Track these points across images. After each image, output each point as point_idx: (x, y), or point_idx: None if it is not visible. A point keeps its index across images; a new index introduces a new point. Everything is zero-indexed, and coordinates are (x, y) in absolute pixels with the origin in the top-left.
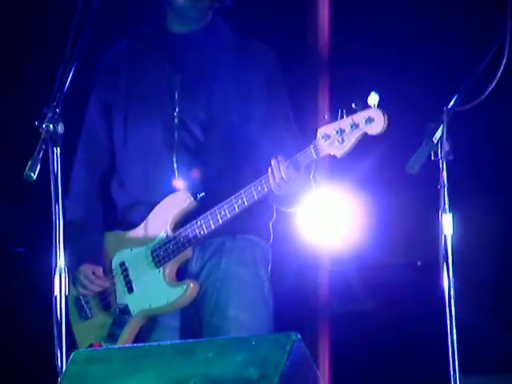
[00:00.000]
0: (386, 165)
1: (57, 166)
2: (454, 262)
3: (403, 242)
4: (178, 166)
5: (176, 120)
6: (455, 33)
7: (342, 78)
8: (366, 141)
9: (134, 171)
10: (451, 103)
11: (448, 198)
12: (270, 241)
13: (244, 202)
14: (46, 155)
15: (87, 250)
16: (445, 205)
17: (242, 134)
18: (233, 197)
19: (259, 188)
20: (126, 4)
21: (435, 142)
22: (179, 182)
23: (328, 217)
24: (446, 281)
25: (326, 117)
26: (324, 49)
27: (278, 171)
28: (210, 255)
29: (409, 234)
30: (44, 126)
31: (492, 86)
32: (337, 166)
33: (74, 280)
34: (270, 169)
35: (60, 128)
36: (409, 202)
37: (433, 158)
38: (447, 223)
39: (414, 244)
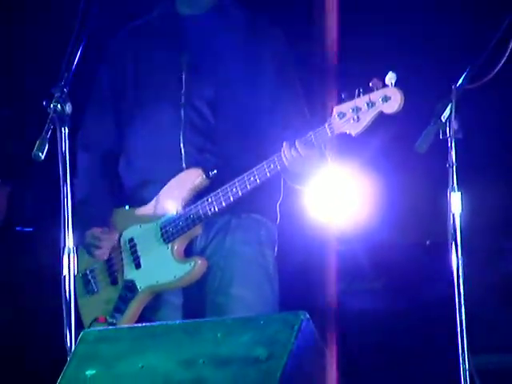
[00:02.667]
0: (394, 143)
1: (65, 145)
2: (463, 241)
3: (412, 220)
4: (184, 145)
5: (183, 99)
6: (464, 10)
7: (350, 54)
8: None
9: (140, 149)
10: (460, 81)
11: (456, 176)
12: (277, 221)
13: (256, 180)
14: (54, 135)
15: (93, 218)
16: (453, 183)
17: (250, 112)
18: (244, 174)
19: (272, 166)
20: None
21: (444, 120)
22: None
23: (336, 196)
24: (455, 259)
25: (342, 95)
26: (331, 29)
27: (289, 151)
28: (215, 234)
29: (417, 213)
30: (52, 105)
31: (501, 64)
32: (345, 145)
33: (85, 247)
34: (282, 149)
35: (68, 108)
36: (417, 180)
37: (441, 136)
38: (456, 202)
39: (423, 223)
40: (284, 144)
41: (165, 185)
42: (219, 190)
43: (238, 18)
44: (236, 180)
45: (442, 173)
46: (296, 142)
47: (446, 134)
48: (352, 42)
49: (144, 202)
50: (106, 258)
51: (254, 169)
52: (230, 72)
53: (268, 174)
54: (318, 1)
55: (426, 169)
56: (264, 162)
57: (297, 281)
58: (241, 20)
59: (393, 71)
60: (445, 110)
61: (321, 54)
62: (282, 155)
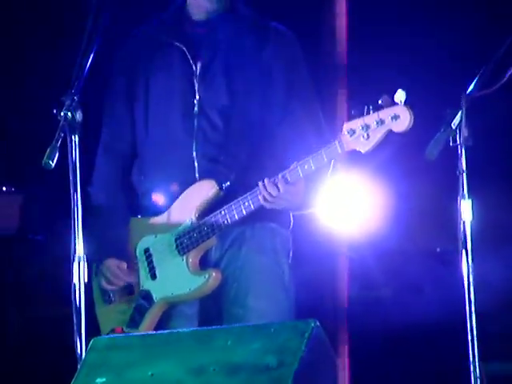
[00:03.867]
0: (404, 151)
1: (75, 153)
2: (473, 248)
3: (422, 228)
4: (196, 154)
5: (196, 108)
6: (474, 18)
7: (359, 65)
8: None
9: (153, 158)
10: (470, 89)
11: (467, 183)
12: (291, 227)
13: None
14: (64, 143)
15: (113, 243)
16: (464, 191)
17: (263, 122)
18: (256, 188)
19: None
20: None
21: (454, 127)
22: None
23: (346, 203)
24: (465, 267)
25: (352, 112)
26: (341, 39)
27: (266, 192)
28: (230, 244)
29: (428, 221)
30: (62, 113)
31: (510, 72)
32: (355, 153)
33: (97, 272)
34: (257, 190)
35: (78, 116)
36: (427, 188)
37: (451, 143)
38: (466, 209)
39: (433, 230)
40: (259, 183)
41: (178, 195)
42: (232, 203)
43: (249, 23)
44: (248, 194)
45: (452, 180)
46: (268, 184)
47: (456, 141)
48: (362, 53)
49: (157, 211)
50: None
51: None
52: (243, 80)
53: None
54: (328, 15)
55: (436, 176)
56: (276, 176)
57: (307, 288)
58: (252, 25)
59: (397, 87)
60: (455, 117)
61: (331, 67)
62: (260, 198)
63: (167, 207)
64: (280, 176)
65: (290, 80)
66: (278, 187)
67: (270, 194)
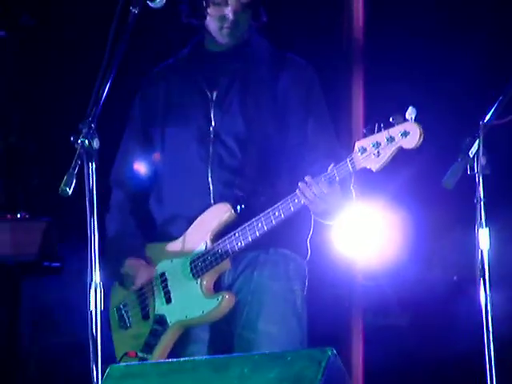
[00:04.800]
0: (421, 179)
1: (92, 181)
2: (491, 277)
3: (439, 256)
4: (212, 180)
5: (212, 135)
6: (492, 45)
7: (376, 93)
8: (401, 154)
9: (170, 186)
10: (487, 117)
11: (484, 212)
12: (307, 257)
13: (281, 215)
14: (81, 170)
15: (128, 252)
16: (481, 219)
17: (279, 149)
18: (270, 209)
19: (296, 200)
20: (167, 25)
21: (471, 156)
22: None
23: (363, 231)
24: (483, 296)
25: (364, 130)
26: (358, 62)
27: (309, 190)
28: (243, 268)
29: (445, 249)
30: (79, 141)
31: None
32: (372, 180)
33: (120, 280)
34: (297, 190)
35: (95, 143)
36: (445, 216)
37: (469, 172)
38: (484, 238)
39: (450, 259)
40: (300, 185)
41: (193, 220)
42: (246, 225)
43: (266, 53)
44: (262, 215)
45: (470, 209)
46: (312, 183)
47: (474, 170)
48: (377, 78)
49: (173, 236)
50: (139, 286)
51: (278, 204)
52: (259, 108)
53: (292, 209)
54: (345, 34)
55: (454, 205)
56: (288, 197)
57: (323, 315)
58: (269, 55)
59: (413, 106)
60: (472, 145)
61: (344, 92)
62: (301, 194)
63: (183, 232)
64: (319, 178)
65: (307, 107)
66: (319, 186)
67: (313, 192)
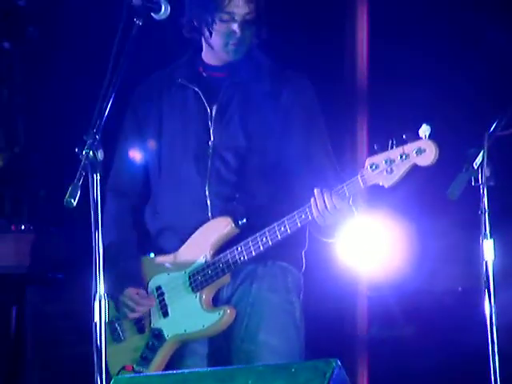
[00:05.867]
0: (426, 190)
1: (96, 192)
2: (495, 288)
3: (443, 267)
4: (210, 195)
5: (210, 149)
6: (498, 56)
7: (380, 105)
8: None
9: (167, 199)
10: (492, 128)
11: (489, 223)
12: (303, 270)
13: (287, 230)
14: (85, 182)
15: (126, 275)
16: (486, 230)
17: (279, 163)
18: (275, 224)
19: (303, 216)
20: (163, 34)
21: (476, 167)
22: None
23: (367, 242)
24: (488, 307)
25: (375, 147)
26: (362, 78)
27: (322, 201)
28: (241, 281)
29: (449, 260)
30: (84, 152)
31: None
32: (376, 192)
33: (117, 305)
34: (312, 199)
35: (100, 155)
36: (449, 227)
37: (473, 183)
38: (488, 249)
39: (455, 270)
40: (314, 195)
41: (189, 233)
42: (249, 239)
43: (266, 69)
44: (266, 229)
45: (474, 219)
46: (326, 194)
47: (478, 181)
48: (383, 92)
49: (167, 250)
50: (136, 317)
51: (284, 218)
52: (259, 123)
53: (299, 224)
54: (349, 50)
55: (458, 215)
56: (295, 212)
57: (328, 327)
58: (269, 70)
59: (426, 123)
60: (477, 156)
61: (352, 104)
62: (313, 207)
63: (179, 245)
64: (333, 191)
65: (307, 122)
66: (332, 200)
67: (326, 205)
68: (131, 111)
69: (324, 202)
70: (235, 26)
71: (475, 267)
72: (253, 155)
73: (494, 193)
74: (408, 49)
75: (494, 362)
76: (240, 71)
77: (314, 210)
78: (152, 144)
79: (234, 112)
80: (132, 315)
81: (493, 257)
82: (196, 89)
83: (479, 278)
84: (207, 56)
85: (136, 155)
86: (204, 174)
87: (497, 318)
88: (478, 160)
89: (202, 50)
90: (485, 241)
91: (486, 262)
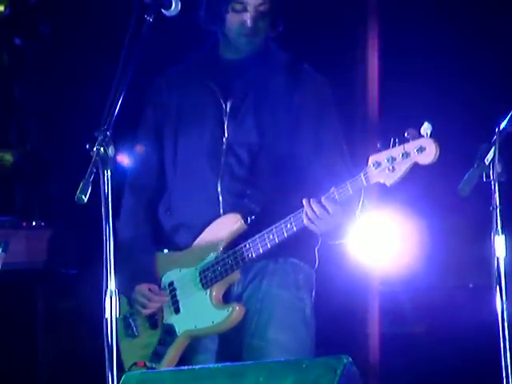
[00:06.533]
0: (437, 186)
1: (107, 188)
2: (507, 285)
3: (455, 264)
4: (222, 191)
5: (224, 146)
6: (507, 54)
7: (391, 102)
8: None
9: (180, 195)
10: (503, 124)
11: (501, 219)
12: (315, 266)
13: (293, 227)
14: (96, 178)
15: (140, 271)
16: (497, 227)
17: (292, 160)
18: (282, 221)
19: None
20: (177, 29)
21: (487, 163)
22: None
23: (379, 238)
24: (499, 303)
25: (378, 145)
26: (372, 72)
27: (311, 210)
28: (252, 278)
29: (461, 256)
30: (95, 148)
31: None
32: (387, 188)
33: (130, 302)
34: (302, 209)
35: (111, 151)
36: (460, 223)
37: (485, 179)
38: (500, 245)
39: (466, 266)
40: (304, 203)
41: (201, 230)
42: (256, 237)
43: (282, 64)
44: (273, 227)
45: (486, 216)
46: (313, 202)
47: (490, 177)
48: (392, 88)
49: (180, 246)
50: (148, 314)
51: (291, 216)
52: (273, 120)
53: (305, 222)
54: (359, 51)
55: (470, 212)
56: (301, 210)
57: (339, 322)
58: (285, 66)
59: (429, 122)
60: (488, 152)
61: (360, 103)
62: (304, 217)
63: (192, 242)
64: (323, 198)
65: (320, 120)
66: (323, 206)
67: (314, 212)
68: (149, 105)
69: (313, 210)
70: (247, 16)
71: (486, 263)
72: (265, 152)
73: (506, 189)
74: (417, 45)
75: (506, 359)
76: (256, 66)
77: (304, 219)
78: (168, 139)
79: (249, 108)
80: (144, 311)
81: (504, 253)
82: (212, 83)
83: (490, 275)
84: (224, 50)
85: (153, 150)
86: (217, 170)
87: (508, 315)
88: (489, 156)
89: (219, 44)
90: (496, 237)
91: (498, 258)
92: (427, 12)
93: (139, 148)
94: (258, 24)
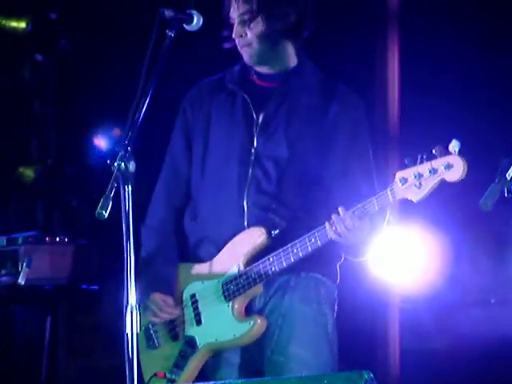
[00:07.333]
0: (459, 202)
1: (128, 204)
2: None
3: (476, 279)
4: (247, 203)
5: (252, 157)
6: None
7: (412, 117)
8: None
9: (205, 205)
10: None
11: None
12: (337, 281)
13: (317, 242)
14: (117, 193)
15: (159, 280)
16: None
17: (318, 177)
18: (306, 235)
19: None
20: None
21: (508, 178)
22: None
23: (400, 254)
24: None
25: (405, 161)
26: (393, 89)
27: (340, 222)
28: (274, 292)
29: (482, 272)
30: (116, 164)
31: None
32: (409, 204)
33: (144, 307)
34: (330, 220)
35: (131, 166)
36: (482, 238)
37: (506, 194)
38: None
39: (487, 281)
40: (333, 216)
41: (225, 242)
42: (280, 250)
43: (317, 80)
44: (297, 241)
45: (508, 231)
46: (344, 214)
47: (511, 192)
48: (414, 102)
49: (203, 257)
50: (158, 323)
51: (315, 230)
52: (304, 136)
53: (329, 237)
54: (380, 67)
55: (491, 227)
56: (326, 224)
57: (360, 338)
58: (320, 82)
59: (457, 139)
60: (510, 167)
61: (384, 119)
62: (329, 229)
63: (216, 254)
64: (350, 211)
65: (351, 140)
66: (352, 218)
67: (344, 221)
68: (181, 115)
69: (342, 222)
70: (237, 28)
71: (508, 278)
72: (293, 167)
73: None
74: (439, 61)
75: None
76: (291, 81)
77: (330, 233)
78: (198, 146)
79: (280, 122)
80: (152, 318)
81: None
82: (245, 95)
83: None
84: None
85: (183, 157)
86: (244, 182)
87: None
88: (511, 171)
89: None
90: None
91: None
92: (449, 22)
93: (167, 158)
94: (249, 34)
